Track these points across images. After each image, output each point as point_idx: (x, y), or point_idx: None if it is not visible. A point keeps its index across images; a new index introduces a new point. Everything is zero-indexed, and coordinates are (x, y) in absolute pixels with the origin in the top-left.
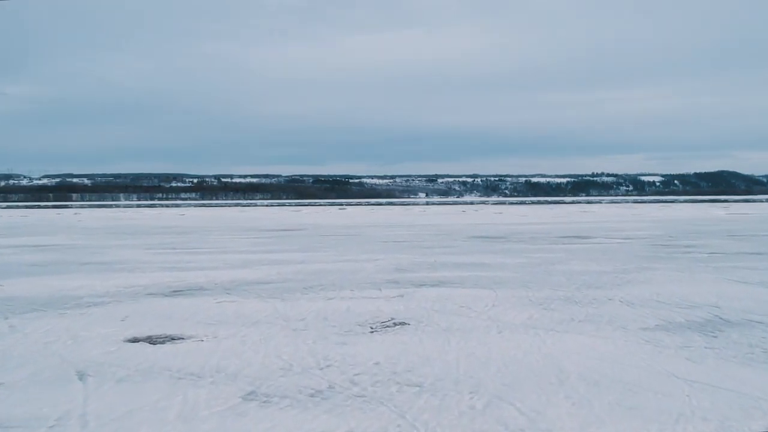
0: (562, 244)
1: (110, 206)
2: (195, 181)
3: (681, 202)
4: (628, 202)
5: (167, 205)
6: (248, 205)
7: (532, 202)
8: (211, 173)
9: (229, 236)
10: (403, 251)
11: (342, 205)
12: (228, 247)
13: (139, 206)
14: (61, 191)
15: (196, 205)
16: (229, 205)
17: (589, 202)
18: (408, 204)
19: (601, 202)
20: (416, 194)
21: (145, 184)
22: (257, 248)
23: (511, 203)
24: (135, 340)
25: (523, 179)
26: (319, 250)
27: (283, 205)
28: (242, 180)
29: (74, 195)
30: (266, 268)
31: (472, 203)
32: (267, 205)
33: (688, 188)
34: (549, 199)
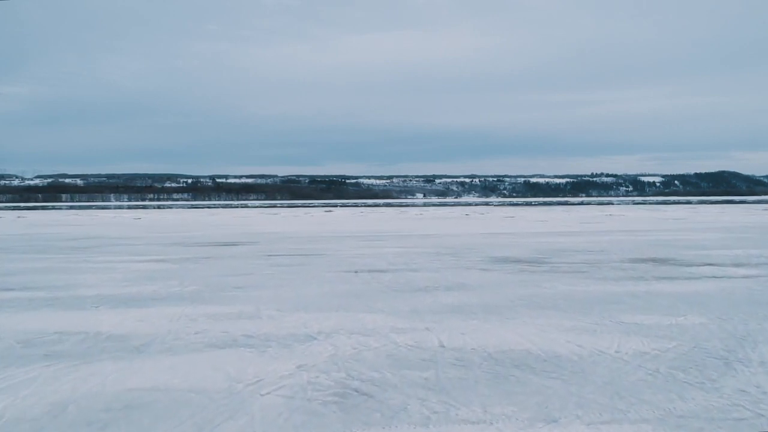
0: (656, 281)
1: (91, 207)
2: (189, 181)
3: (695, 203)
4: (637, 203)
5: (149, 207)
6: (238, 206)
7: (538, 203)
8: (207, 173)
9: (131, 256)
10: (377, 300)
11: (334, 206)
12: (87, 283)
13: (123, 207)
14: (50, 192)
15: (180, 207)
16: (215, 207)
17: (600, 203)
18: (404, 205)
19: (611, 203)
20: (414, 195)
21: (139, 185)
22: (128, 289)
23: (517, 204)
24: None
25: (522, 180)
26: (225, 299)
27: (273, 206)
28: (237, 180)
29: (64, 196)
30: (19, 383)
31: (474, 205)
32: (258, 207)
33: (688, 188)
34: (554, 200)
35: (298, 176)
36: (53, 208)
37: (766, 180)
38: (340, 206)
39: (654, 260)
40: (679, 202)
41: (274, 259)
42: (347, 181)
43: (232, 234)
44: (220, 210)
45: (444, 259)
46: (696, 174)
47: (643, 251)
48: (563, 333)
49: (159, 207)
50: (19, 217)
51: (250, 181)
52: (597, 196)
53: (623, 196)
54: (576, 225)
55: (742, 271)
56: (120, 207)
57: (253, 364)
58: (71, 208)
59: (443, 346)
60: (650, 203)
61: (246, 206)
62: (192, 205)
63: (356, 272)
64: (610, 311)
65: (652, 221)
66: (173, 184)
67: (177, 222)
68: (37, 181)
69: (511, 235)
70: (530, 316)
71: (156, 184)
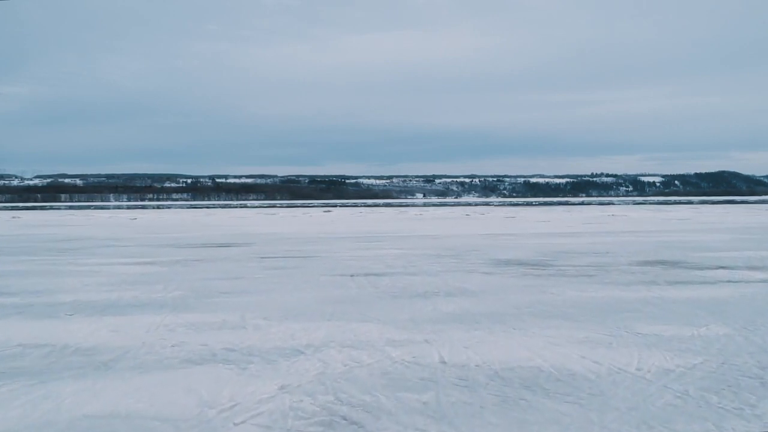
0: (670, 286)
1: (89, 207)
2: (189, 181)
3: (697, 203)
4: (638, 203)
5: (149, 207)
6: (237, 207)
7: (538, 204)
8: (206, 174)
9: (119, 258)
10: (373, 308)
11: (333, 206)
12: (66, 288)
13: (122, 207)
14: (50, 192)
15: (179, 207)
16: (214, 207)
17: (601, 203)
18: (404, 206)
19: (612, 203)
20: (413, 195)
21: (138, 185)
22: (108, 294)
23: (517, 204)
24: None
25: (522, 180)
26: (210, 306)
27: (273, 206)
28: (237, 180)
29: (63, 196)
30: None
31: (474, 205)
32: (257, 207)
33: (688, 188)
34: (555, 200)
35: (297, 176)
36: (51, 208)
37: (766, 180)
38: (340, 206)
39: (664, 263)
40: (680, 203)
41: (267, 262)
42: (347, 181)
43: (228, 235)
44: (219, 210)
45: (444, 262)
46: (696, 174)
47: (652, 253)
48: (576, 346)
49: (158, 207)
50: (13, 217)
51: (249, 181)
52: (597, 196)
53: (623, 196)
54: (579, 225)
55: (758, 275)
56: (119, 207)
57: (230, 384)
58: (69, 208)
59: (444, 362)
60: (651, 203)
61: (245, 206)
62: (191, 205)
63: (352, 276)
64: (625, 320)
65: (656, 222)
66: (173, 184)
67: (173, 222)
68: (36, 181)
69: (513, 236)
70: (538, 326)
71: (155, 184)
